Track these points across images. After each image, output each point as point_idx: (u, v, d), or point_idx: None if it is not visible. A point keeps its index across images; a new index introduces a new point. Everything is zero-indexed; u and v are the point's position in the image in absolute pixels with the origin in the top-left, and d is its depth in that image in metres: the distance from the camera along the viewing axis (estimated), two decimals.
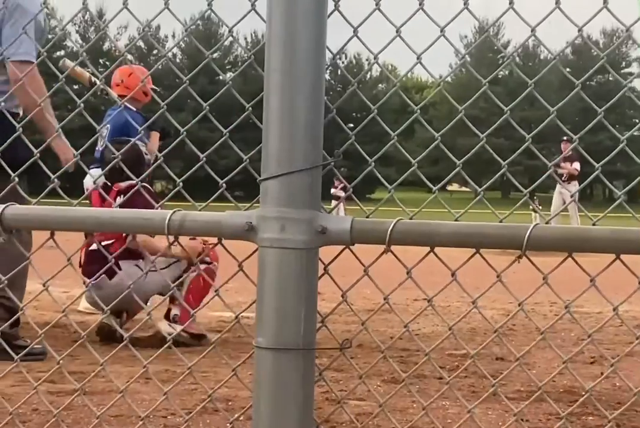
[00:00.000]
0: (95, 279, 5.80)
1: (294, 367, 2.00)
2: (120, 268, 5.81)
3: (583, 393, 4.68)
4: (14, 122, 2.66)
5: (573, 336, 6.95)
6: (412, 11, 2.09)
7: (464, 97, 2.16)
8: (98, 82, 7.45)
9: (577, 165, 19.07)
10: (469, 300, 7.72)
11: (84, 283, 6.07)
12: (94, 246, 5.91)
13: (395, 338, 2.53)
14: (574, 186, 18.64)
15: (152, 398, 4.30)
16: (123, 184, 6.14)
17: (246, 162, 2.20)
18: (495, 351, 5.98)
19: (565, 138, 18.82)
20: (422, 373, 5.06)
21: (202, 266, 6.24)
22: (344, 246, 2.12)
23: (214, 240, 2.23)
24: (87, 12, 2.48)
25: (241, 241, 2.08)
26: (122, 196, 6.00)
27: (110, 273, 5.82)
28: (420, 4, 2.06)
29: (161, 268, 6.18)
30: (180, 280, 5.95)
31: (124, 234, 5.53)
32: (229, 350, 5.50)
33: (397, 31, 2.10)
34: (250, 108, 2.20)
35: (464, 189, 68.53)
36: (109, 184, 6.27)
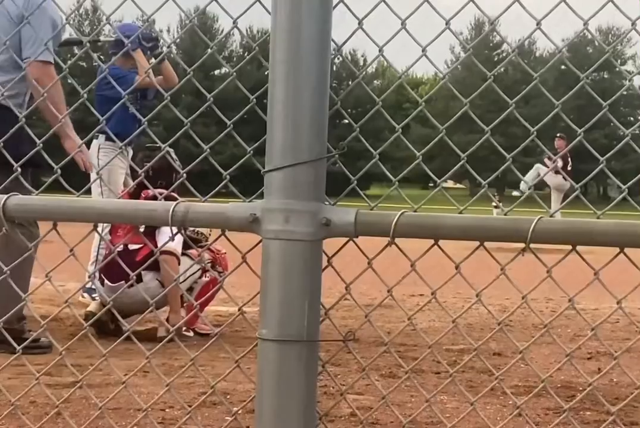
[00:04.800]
0: (115, 282, 5.90)
1: (297, 359, 1.99)
2: (142, 279, 5.93)
3: (581, 388, 4.70)
4: (17, 113, 2.64)
5: (569, 332, 6.97)
6: (411, 6, 2.10)
7: (460, 94, 2.14)
8: None
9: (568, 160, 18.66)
10: (465, 296, 7.77)
11: (95, 277, 6.11)
12: (119, 247, 5.93)
13: (397, 333, 2.53)
14: (560, 178, 18.19)
15: (150, 391, 4.30)
16: (151, 192, 6.10)
17: (250, 154, 2.20)
18: (492, 346, 5.98)
19: (559, 134, 18.36)
20: (420, 368, 5.07)
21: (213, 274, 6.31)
22: (348, 239, 2.12)
23: (226, 249, 2.22)
24: (82, 7, 2.47)
25: (243, 233, 2.08)
26: None
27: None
28: None
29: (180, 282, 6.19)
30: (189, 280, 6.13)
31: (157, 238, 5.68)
32: (227, 344, 5.49)
33: (402, 24, 2.09)
34: (254, 100, 2.19)
35: (458, 185, 68.61)
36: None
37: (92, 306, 6.52)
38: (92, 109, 2.52)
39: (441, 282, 2.22)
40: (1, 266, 2.42)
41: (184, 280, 6.23)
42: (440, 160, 49.17)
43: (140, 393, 4.25)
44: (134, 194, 6.20)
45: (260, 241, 2.05)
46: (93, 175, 7.32)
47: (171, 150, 6.47)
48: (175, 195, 5.92)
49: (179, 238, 6.03)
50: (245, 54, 67.65)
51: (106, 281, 6.07)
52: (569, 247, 1.98)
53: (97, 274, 6.17)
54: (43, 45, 5.03)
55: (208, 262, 6.35)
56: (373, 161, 2.15)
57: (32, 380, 2.54)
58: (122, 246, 5.96)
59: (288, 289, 1.98)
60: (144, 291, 5.77)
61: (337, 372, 4.96)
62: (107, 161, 7.44)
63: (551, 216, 2.02)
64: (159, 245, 5.58)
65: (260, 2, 2.15)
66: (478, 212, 2.39)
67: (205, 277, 6.38)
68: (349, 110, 63.07)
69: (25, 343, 2.59)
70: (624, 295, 2.06)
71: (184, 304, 6.39)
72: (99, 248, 7.61)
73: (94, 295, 7.39)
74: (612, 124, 62.91)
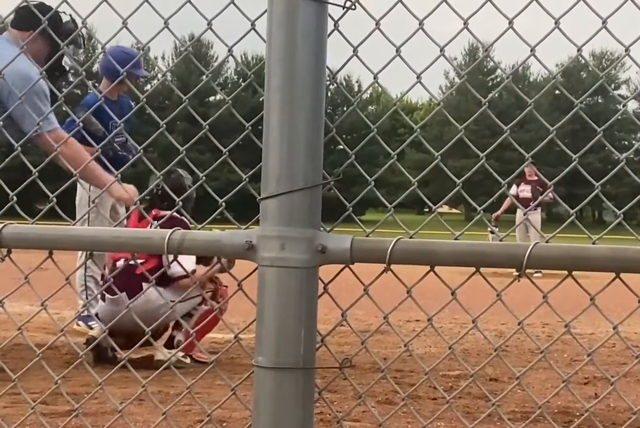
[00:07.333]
0: (114, 294, 5.86)
1: (293, 386, 1.99)
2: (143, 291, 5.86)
3: (578, 413, 4.68)
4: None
5: (566, 357, 6.96)
6: (404, 32, 2.11)
7: (454, 119, 2.15)
8: None
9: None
10: (461, 321, 7.71)
11: (91, 305, 6.09)
12: (121, 260, 5.93)
13: (394, 359, 2.52)
14: (538, 214, 18.04)
15: (145, 419, 4.27)
16: (162, 212, 6.10)
17: (245, 181, 2.20)
18: (488, 372, 5.96)
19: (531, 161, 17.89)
20: (417, 394, 5.04)
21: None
22: (344, 265, 2.11)
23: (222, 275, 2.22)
24: (80, 36, 2.48)
25: (240, 260, 2.08)
26: (156, 222, 6.00)
27: (133, 293, 5.77)
28: (420, 24, 2.06)
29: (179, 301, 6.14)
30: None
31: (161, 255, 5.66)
32: (222, 372, 5.47)
33: (397, 51, 2.10)
34: (250, 127, 2.19)
35: (454, 210, 68.58)
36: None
37: (96, 331, 6.50)
38: (89, 138, 2.52)
39: (437, 306, 2.21)
40: None
41: (185, 302, 6.17)
42: (435, 185, 49.24)
43: (137, 422, 4.22)
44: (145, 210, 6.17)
45: (256, 268, 2.05)
46: (81, 203, 7.30)
47: (189, 178, 6.49)
48: (186, 220, 5.91)
49: (190, 258, 5.96)
50: (240, 80, 67.73)
51: (107, 295, 6.02)
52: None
53: (98, 297, 6.16)
54: (41, 116, 4.91)
55: (208, 291, 6.32)
56: (368, 188, 2.15)
57: (27, 408, 2.53)
58: (122, 260, 5.95)
59: (284, 316, 1.97)
60: (144, 303, 5.74)
61: (334, 398, 4.94)
62: (98, 192, 7.46)
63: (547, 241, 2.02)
64: (167, 265, 5.44)
65: (256, 31, 2.16)
66: (475, 236, 2.40)
67: (206, 305, 6.38)
68: (344, 135, 63.16)
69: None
70: (620, 320, 2.06)
71: (182, 329, 6.39)
72: (85, 276, 7.61)
73: (89, 323, 7.38)
74: (606, 148, 63.07)
